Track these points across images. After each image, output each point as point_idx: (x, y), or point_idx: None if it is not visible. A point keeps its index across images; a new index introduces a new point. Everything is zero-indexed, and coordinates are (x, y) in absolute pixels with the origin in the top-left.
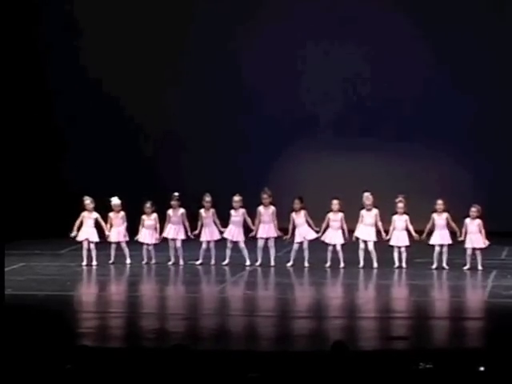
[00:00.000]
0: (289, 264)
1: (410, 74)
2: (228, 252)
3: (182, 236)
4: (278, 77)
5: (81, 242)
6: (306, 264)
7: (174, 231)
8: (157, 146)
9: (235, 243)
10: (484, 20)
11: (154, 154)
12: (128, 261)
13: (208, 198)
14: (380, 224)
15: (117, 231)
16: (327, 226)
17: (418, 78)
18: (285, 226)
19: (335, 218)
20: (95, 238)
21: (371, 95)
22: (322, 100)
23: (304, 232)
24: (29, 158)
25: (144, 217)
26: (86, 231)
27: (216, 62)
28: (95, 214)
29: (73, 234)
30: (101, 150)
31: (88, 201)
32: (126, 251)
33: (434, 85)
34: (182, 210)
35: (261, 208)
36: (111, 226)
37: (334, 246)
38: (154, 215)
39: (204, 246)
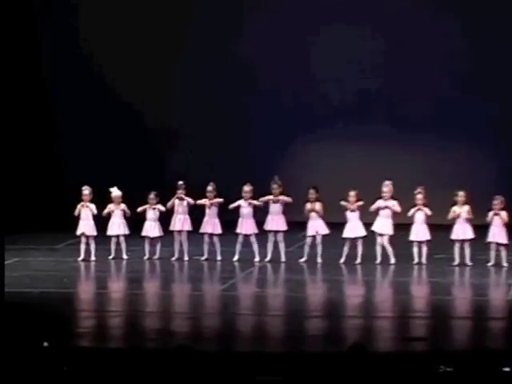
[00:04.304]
0: (301, 260)
1: (428, 61)
2: (238, 247)
3: (188, 227)
4: (291, 62)
5: (78, 236)
6: (319, 260)
7: (180, 222)
8: (159, 135)
9: (246, 237)
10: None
11: (156, 143)
12: (125, 256)
13: (211, 188)
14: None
15: (117, 224)
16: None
17: (436, 65)
18: (296, 219)
19: (353, 209)
20: (94, 231)
21: (388, 83)
22: (337, 87)
23: (317, 225)
24: (23, 149)
25: (147, 208)
26: (84, 224)
27: (225, 48)
28: (93, 206)
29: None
30: (98, 140)
31: (87, 191)
32: (123, 246)
33: (453, 72)
34: (188, 199)
35: (270, 197)
36: (109, 218)
37: (354, 240)
38: (158, 206)
39: (206, 239)
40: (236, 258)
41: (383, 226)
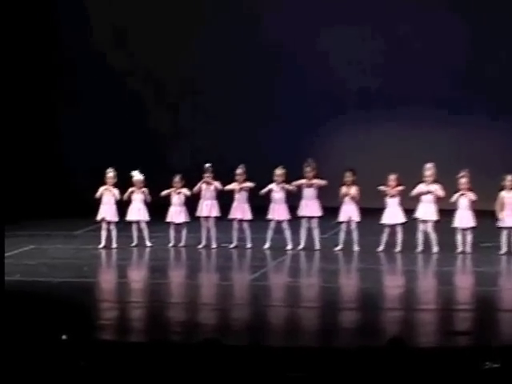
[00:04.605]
0: (337, 248)
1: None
2: (270, 234)
3: (216, 213)
4: (321, 42)
5: (99, 222)
6: (356, 248)
7: (207, 208)
8: (184, 116)
9: (278, 223)
10: None
11: (180, 126)
12: (148, 243)
13: (240, 171)
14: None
15: (136, 209)
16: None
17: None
18: (332, 205)
19: (392, 194)
20: (115, 217)
21: (431, 62)
22: (377, 66)
23: (351, 211)
24: (39, 131)
25: (172, 192)
26: (106, 209)
27: (250, 30)
28: (116, 191)
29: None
30: (113, 123)
31: (111, 173)
32: (146, 232)
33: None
34: (216, 184)
35: (303, 181)
36: (130, 204)
37: (393, 226)
38: (183, 191)
39: (236, 225)
40: (267, 245)
41: (427, 211)
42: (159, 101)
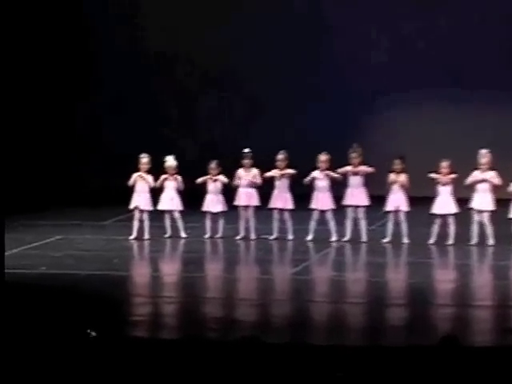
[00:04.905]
0: (385, 240)
1: None
2: (313, 224)
3: (255, 202)
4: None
5: (131, 211)
6: (406, 240)
7: (246, 196)
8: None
9: (322, 213)
10: None
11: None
12: (183, 234)
13: (282, 156)
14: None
15: (169, 198)
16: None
17: None
18: (379, 193)
19: (445, 182)
20: (149, 205)
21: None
22: (430, 43)
23: (399, 200)
24: (67, 116)
25: (208, 180)
26: (139, 197)
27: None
28: (150, 177)
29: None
30: (145, 108)
31: (145, 159)
32: (180, 223)
33: None
34: (254, 171)
35: (349, 168)
36: (162, 192)
37: (445, 217)
38: (220, 178)
39: (276, 215)
40: (310, 237)
41: (482, 201)
42: (201, 85)
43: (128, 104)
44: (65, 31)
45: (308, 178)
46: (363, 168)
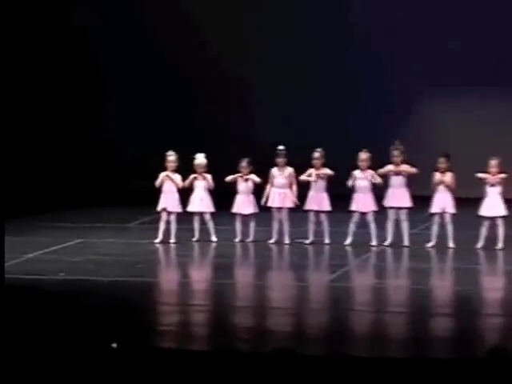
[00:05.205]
0: (429, 244)
1: None
2: (352, 227)
3: (289, 204)
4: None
5: (157, 213)
6: (451, 244)
7: (280, 198)
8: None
9: (362, 215)
10: None
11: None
12: (214, 238)
13: (318, 155)
14: None
15: (198, 199)
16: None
17: None
18: (423, 194)
19: (493, 183)
20: (178, 207)
21: None
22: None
23: (445, 201)
24: (91, 114)
25: (238, 179)
26: (167, 198)
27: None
28: (178, 177)
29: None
30: (172, 107)
31: (172, 157)
32: (211, 225)
33: None
34: (289, 170)
35: (391, 168)
36: (192, 192)
37: (493, 219)
38: (252, 177)
39: (312, 218)
40: (348, 241)
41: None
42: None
43: (153, 100)
44: (67, 33)
45: (351, 181)
46: (406, 168)
